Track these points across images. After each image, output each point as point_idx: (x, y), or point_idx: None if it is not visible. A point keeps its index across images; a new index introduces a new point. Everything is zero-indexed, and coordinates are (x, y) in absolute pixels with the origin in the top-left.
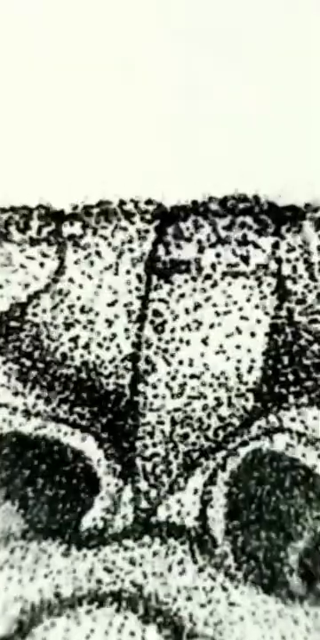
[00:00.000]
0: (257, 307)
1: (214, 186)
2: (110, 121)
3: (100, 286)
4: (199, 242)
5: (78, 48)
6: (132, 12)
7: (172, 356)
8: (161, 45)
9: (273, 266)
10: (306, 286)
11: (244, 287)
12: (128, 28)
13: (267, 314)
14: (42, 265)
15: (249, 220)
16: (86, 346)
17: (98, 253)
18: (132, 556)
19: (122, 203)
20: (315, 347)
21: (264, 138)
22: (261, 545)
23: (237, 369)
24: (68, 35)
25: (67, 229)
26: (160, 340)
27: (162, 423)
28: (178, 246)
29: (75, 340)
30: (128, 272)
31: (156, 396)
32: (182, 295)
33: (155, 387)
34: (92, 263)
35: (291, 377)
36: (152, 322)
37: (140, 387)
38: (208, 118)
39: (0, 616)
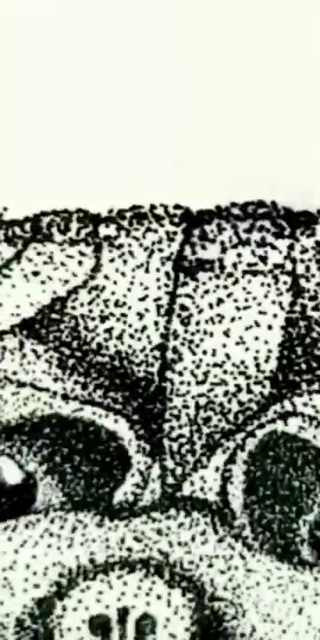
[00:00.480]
0: (274, 302)
1: (236, 192)
2: (144, 137)
3: (132, 283)
4: (222, 243)
5: (104, 66)
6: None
7: (197, 346)
8: (177, 53)
9: (288, 265)
10: (318, 284)
11: (263, 284)
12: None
13: (282, 309)
14: (80, 263)
15: (267, 223)
16: (119, 336)
17: (131, 253)
18: (160, 527)
19: (153, 207)
20: None
21: (282, 150)
22: (276, 517)
23: (256, 358)
24: (90, 50)
25: (103, 231)
26: (186, 331)
27: (187, 407)
28: (203, 247)
29: (109, 331)
30: (158, 270)
31: (182, 383)
32: (206, 291)
33: (181, 374)
34: (125, 262)
35: (303, 366)
36: (179, 315)
37: (168, 374)
38: (231, 133)
39: (41, 580)
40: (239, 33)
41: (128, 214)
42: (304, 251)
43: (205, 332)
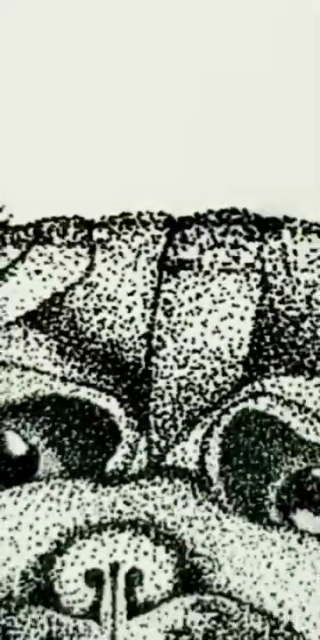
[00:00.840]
0: (245, 297)
1: (213, 201)
2: (131, 151)
3: (122, 280)
4: (200, 245)
5: (94, 84)
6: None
7: (179, 335)
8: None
9: (258, 264)
10: (283, 281)
11: (236, 281)
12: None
13: (253, 302)
14: (76, 263)
15: (239, 228)
16: (111, 326)
17: (120, 254)
18: (146, 493)
19: (140, 214)
20: (290, 328)
21: (254, 166)
22: (247, 484)
23: (230, 345)
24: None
25: (96, 235)
26: (169, 322)
27: (170, 388)
28: (183, 249)
29: (102, 321)
30: (144, 269)
31: (165, 367)
32: (187, 287)
33: (164, 359)
34: (115, 262)
35: (271, 352)
36: (163, 308)
37: (153, 359)
38: (209, 149)
39: (43, 538)
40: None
41: (118, 220)
42: (272, 252)
43: (186, 323)
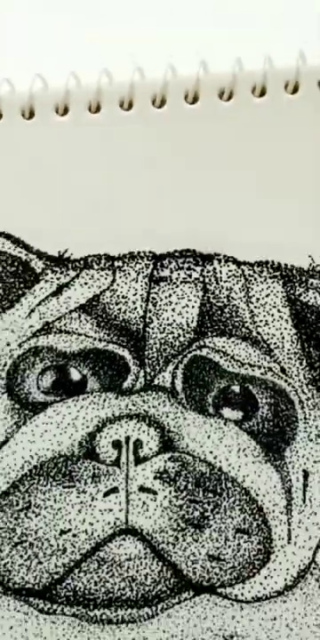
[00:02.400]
0: (195, 295)
1: (175, 244)
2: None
3: (129, 287)
4: (170, 269)
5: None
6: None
7: (160, 315)
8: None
9: (201, 279)
10: (214, 287)
11: (190, 287)
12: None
13: (199, 298)
14: (106, 278)
15: (191, 259)
16: (124, 312)
17: (129, 273)
18: (144, 399)
19: (138, 253)
20: (218, 311)
21: (194, 214)
22: (197, 393)
23: (186, 321)
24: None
25: (116, 263)
26: (154, 308)
27: (156, 344)
28: (162, 270)
29: (119, 309)
30: (141, 281)
31: (153, 333)
32: (163, 291)
33: (152, 329)
34: (126, 278)
35: (208, 324)
36: (151, 301)
37: (147, 329)
38: (167, 205)
39: (90, 423)
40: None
41: (127, 255)
42: (208, 271)
43: (163, 310)
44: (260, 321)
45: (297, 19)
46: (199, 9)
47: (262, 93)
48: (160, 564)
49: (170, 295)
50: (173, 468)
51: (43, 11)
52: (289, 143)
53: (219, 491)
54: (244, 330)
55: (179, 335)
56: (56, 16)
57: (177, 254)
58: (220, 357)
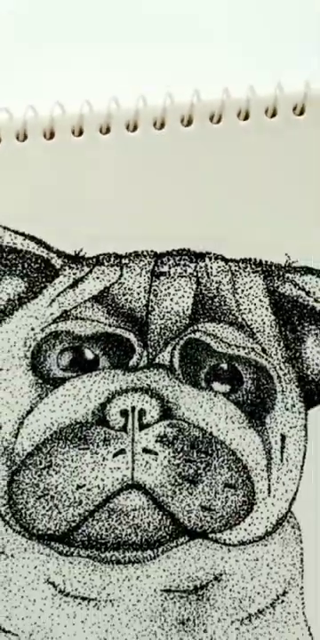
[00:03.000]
0: (190, 287)
1: (172, 244)
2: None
3: (134, 281)
4: (169, 265)
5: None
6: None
7: (160, 304)
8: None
9: (195, 273)
10: (206, 280)
11: (185, 281)
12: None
13: (193, 290)
14: (114, 273)
15: (186, 257)
16: (130, 301)
17: (134, 269)
18: (147, 375)
19: (142, 251)
20: (209, 301)
21: (190, 222)
22: (191, 370)
23: (182, 308)
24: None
25: (123, 260)
26: (155, 298)
27: (157, 328)
28: (162, 266)
29: (126, 299)
30: (144, 275)
31: (155, 319)
32: (163, 284)
33: (154, 316)
34: (131, 273)
35: (201, 312)
36: (153, 292)
37: (149, 316)
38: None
39: (101, 395)
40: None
41: (132, 255)
42: (201, 267)
43: (163, 299)
44: (245, 309)
45: (275, 47)
46: (194, 44)
47: (246, 117)
48: (160, 513)
49: (168, 287)
50: (171, 432)
51: (63, 46)
52: (267, 159)
53: (210, 452)
54: (230, 316)
55: (176, 321)
56: (73, 50)
57: (174, 253)
58: (211, 340)
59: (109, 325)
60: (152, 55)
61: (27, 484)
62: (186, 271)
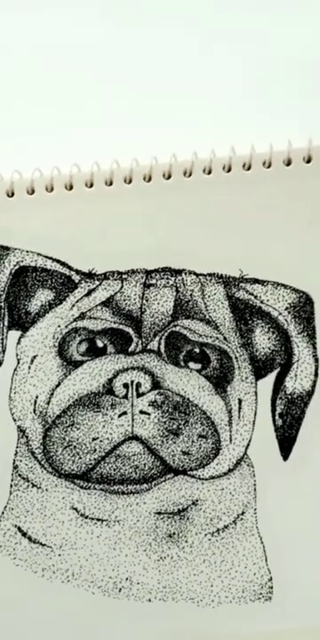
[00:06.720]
0: (171, 294)
1: (158, 263)
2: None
3: (131, 291)
4: (155, 278)
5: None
6: None
7: (150, 307)
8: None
9: (175, 284)
10: (183, 289)
11: (169, 290)
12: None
13: (173, 296)
14: (116, 285)
15: (168, 272)
16: (129, 305)
17: (130, 281)
18: (141, 357)
19: (137, 269)
20: (186, 303)
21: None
22: (173, 353)
23: (166, 310)
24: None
25: (123, 276)
26: (146, 303)
27: (148, 324)
28: (150, 279)
29: (127, 304)
30: (138, 287)
31: (146, 318)
32: (152, 292)
33: (146, 316)
34: (129, 285)
35: (179, 311)
36: (144, 298)
37: (143, 316)
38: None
39: (108, 373)
40: None
41: (129, 271)
42: (180, 279)
43: (152, 304)
44: (211, 309)
45: (254, 106)
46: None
47: (229, 170)
48: (153, 457)
49: (156, 295)
50: (160, 399)
51: (69, 111)
52: (237, 200)
53: (188, 412)
54: (200, 315)
55: (162, 319)
56: (81, 117)
57: (160, 270)
58: (187, 332)
59: (114, 323)
60: (153, 120)
61: (56, 437)
62: (168, 283)
